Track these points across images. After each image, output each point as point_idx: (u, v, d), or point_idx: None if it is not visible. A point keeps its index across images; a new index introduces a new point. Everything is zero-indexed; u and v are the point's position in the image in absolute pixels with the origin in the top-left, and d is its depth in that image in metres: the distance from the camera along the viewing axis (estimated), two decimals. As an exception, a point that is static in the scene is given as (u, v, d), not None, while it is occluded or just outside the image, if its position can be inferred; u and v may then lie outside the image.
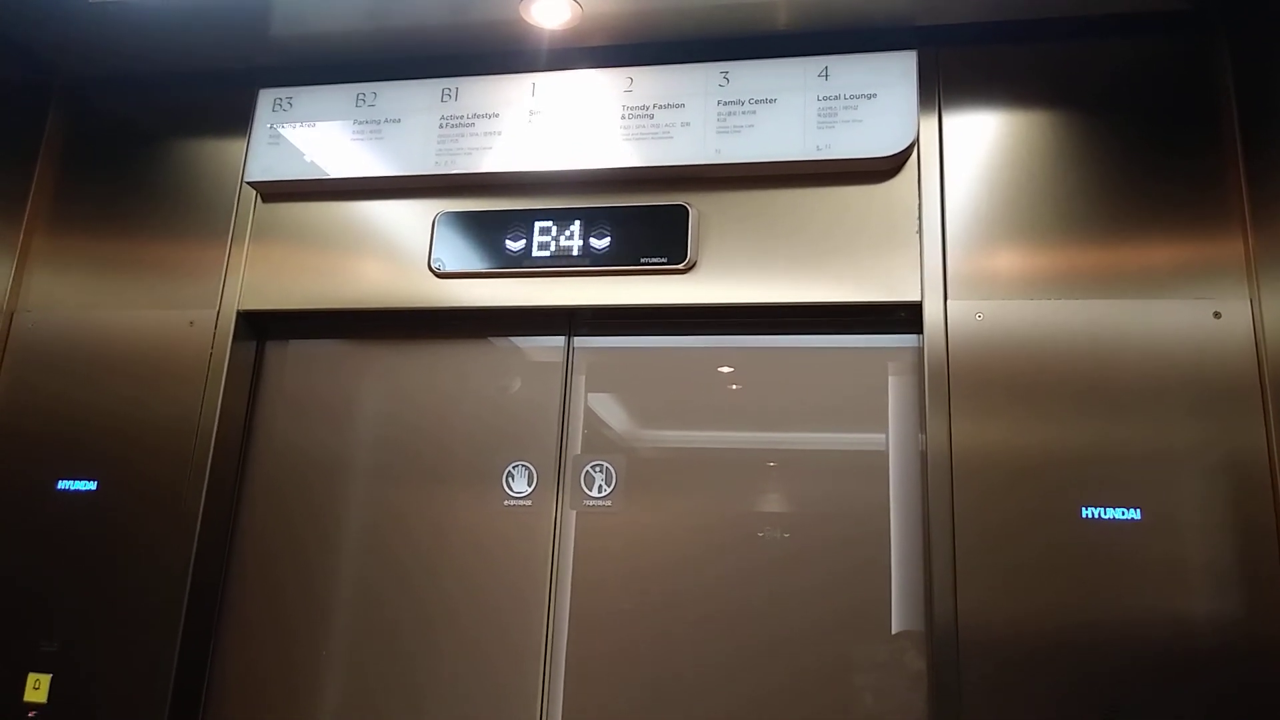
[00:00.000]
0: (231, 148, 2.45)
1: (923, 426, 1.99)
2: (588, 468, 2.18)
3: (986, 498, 1.88)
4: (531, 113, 2.26)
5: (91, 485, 2.27)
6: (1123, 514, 1.82)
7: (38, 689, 2.15)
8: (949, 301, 2.00)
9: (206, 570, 2.23)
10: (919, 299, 2.02)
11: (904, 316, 2.07)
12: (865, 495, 2.07)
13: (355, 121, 2.35)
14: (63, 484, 2.28)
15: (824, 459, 2.12)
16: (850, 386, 2.14)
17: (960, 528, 1.88)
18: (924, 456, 1.97)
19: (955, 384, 1.95)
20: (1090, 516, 1.83)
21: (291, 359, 2.41)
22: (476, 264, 2.23)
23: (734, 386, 2.19)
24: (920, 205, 2.07)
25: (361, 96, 2.36)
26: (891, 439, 2.09)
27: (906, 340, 2.12)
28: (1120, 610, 1.79)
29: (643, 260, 2.14)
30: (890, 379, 2.12)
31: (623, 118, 2.21)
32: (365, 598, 2.21)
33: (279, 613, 2.24)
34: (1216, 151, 1.98)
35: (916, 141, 2.08)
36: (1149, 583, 1.79)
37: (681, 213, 2.15)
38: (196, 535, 2.19)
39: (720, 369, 2.21)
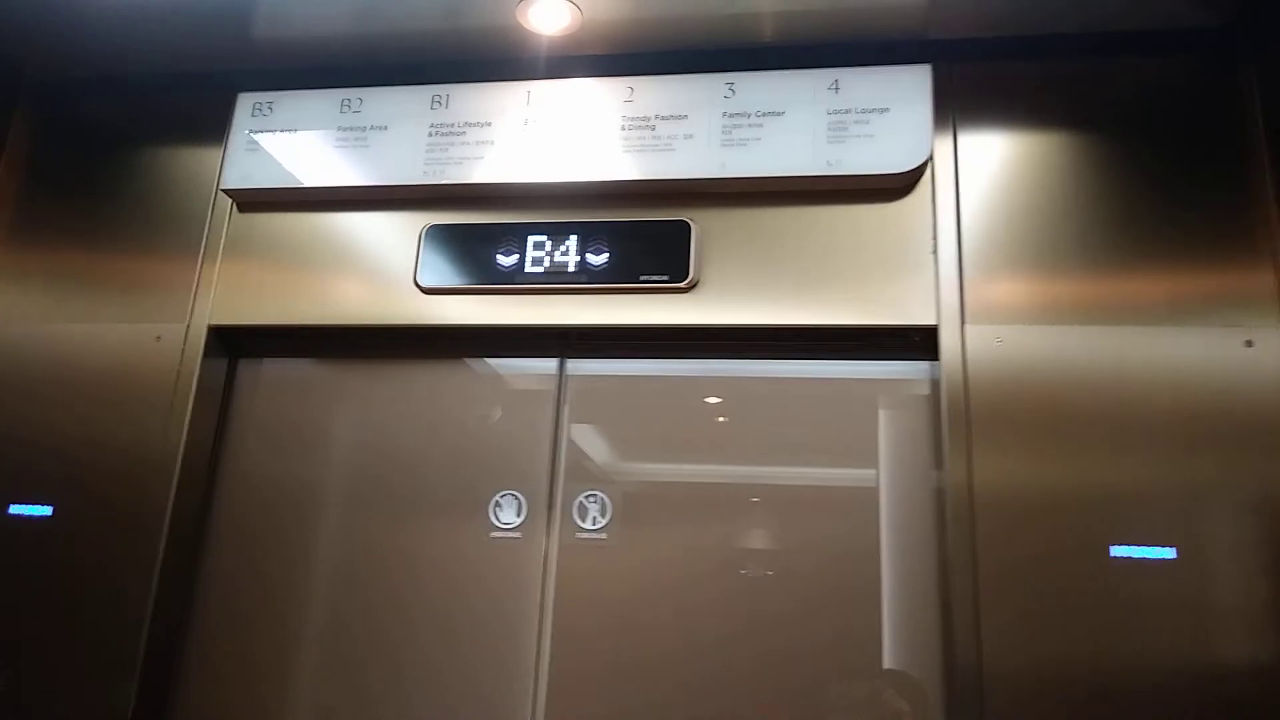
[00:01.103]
0: (207, 154, 2.32)
1: (938, 459, 1.88)
2: (581, 498, 2.05)
3: (1010, 536, 1.76)
4: (526, 122, 2.15)
5: (46, 510, 2.12)
6: (1155, 553, 1.71)
7: (-22, 733, 1.98)
8: (966, 326, 1.89)
9: (169, 605, 2.07)
10: (934, 323, 1.91)
11: (918, 342, 1.96)
12: (876, 533, 1.94)
13: (339, 128, 2.23)
14: (15, 509, 2.12)
15: (825, 495, 1.99)
16: (857, 418, 2.02)
17: (982, 568, 1.76)
18: (941, 491, 1.86)
19: (975, 413, 1.84)
20: (1121, 556, 1.72)
21: (265, 379, 2.27)
22: (465, 280, 2.10)
23: (736, 415, 2.07)
24: (935, 225, 1.97)
25: (347, 102, 2.24)
26: (907, 473, 1.96)
27: (918, 368, 2.01)
28: (1154, 654, 1.67)
29: (642, 278, 2.02)
30: (902, 410, 2.01)
31: (622, 129, 2.10)
32: (342, 637, 2.06)
33: (247, 652, 2.08)
34: (1245, 174, 1.90)
35: (931, 158, 1.99)
36: (1184, 625, 1.68)
37: (683, 229, 2.04)
38: (158, 566, 2.03)
39: (723, 396, 2.09)
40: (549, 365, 2.15)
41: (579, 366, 2.14)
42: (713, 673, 1.91)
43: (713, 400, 2.09)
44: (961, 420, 1.84)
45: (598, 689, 1.94)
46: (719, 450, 2.05)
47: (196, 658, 2.09)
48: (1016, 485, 1.78)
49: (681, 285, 2.01)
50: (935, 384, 1.95)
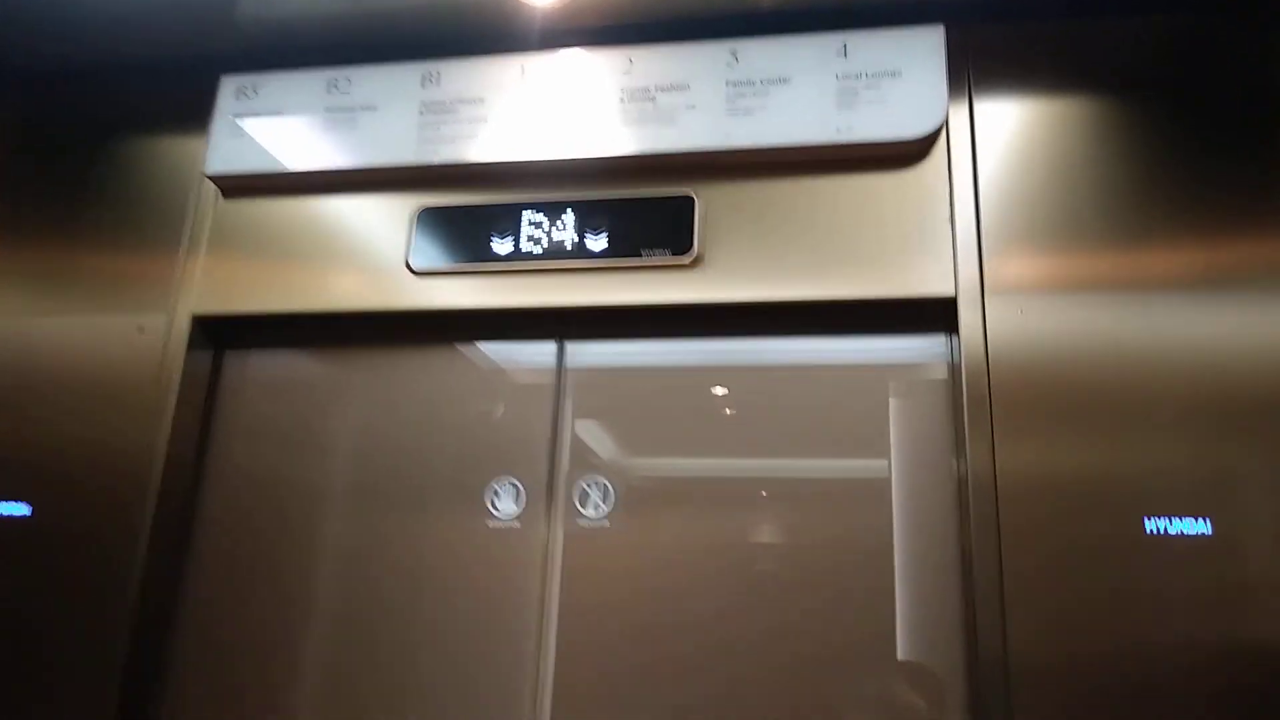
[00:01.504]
0: (189, 140, 2.23)
1: (959, 439, 1.78)
2: (582, 484, 1.94)
3: (1037, 514, 1.65)
4: (521, 97, 2.06)
5: (25, 510, 2.02)
6: (1192, 527, 1.60)
7: (-51, 745, 1.88)
8: (987, 297, 1.79)
9: (152, 608, 1.97)
10: (953, 294, 1.81)
11: (936, 315, 1.85)
12: (889, 522, 1.83)
13: (327, 109, 2.14)
14: (-9, 508, 2.03)
15: (836, 484, 1.88)
16: (870, 404, 1.91)
17: (1007, 553, 1.65)
18: (962, 474, 1.75)
19: (997, 390, 1.73)
20: (1155, 532, 1.61)
21: (253, 370, 2.17)
22: (460, 262, 2.01)
23: (742, 402, 1.97)
24: (952, 193, 1.87)
25: (334, 82, 2.16)
26: (923, 459, 1.86)
27: (935, 350, 1.90)
28: (1192, 639, 1.56)
29: (644, 254, 1.93)
30: (919, 393, 1.90)
31: (621, 101, 2.01)
32: (337, 640, 1.95)
33: (236, 655, 1.97)
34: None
35: (946, 123, 1.89)
36: (1224, 608, 1.57)
37: (687, 203, 1.95)
38: (142, 565, 1.94)
39: (727, 380, 1.98)
40: (548, 348, 2.05)
41: (579, 349, 2.05)
42: (723, 662, 1.80)
43: (718, 387, 1.98)
44: (983, 397, 1.73)
45: (603, 680, 1.83)
46: (723, 434, 1.95)
47: (183, 662, 1.99)
48: (1042, 464, 1.68)
49: (685, 261, 1.91)
50: (953, 366, 1.85)
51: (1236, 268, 1.74)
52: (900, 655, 1.76)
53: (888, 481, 1.86)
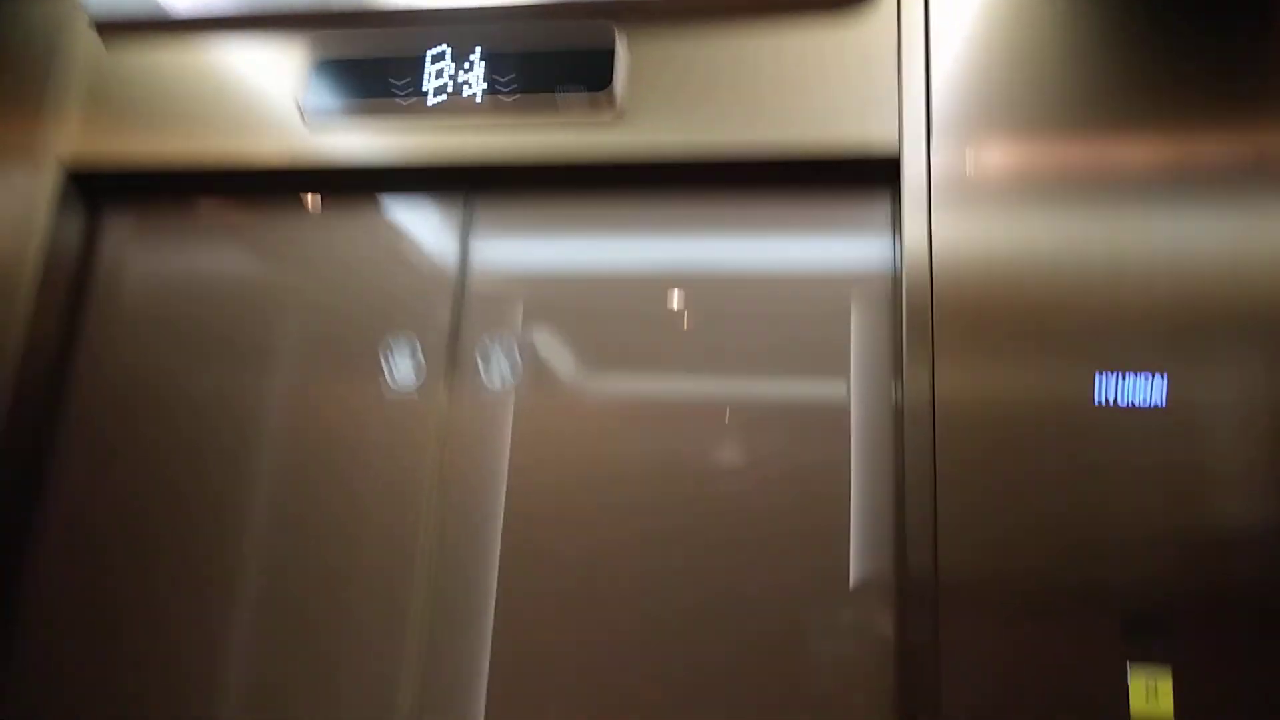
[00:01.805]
0: (66, -21, 2.01)
1: (896, 330, 1.63)
2: (487, 348, 1.77)
3: (975, 406, 1.52)
4: (429, -71, 1.86)
5: None
6: (1145, 394, 1.47)
7: None
8: (932, 155, 1.63)
9: (10, 486, 1.79)
10: (896, 154, 1.64)
11: (879, 172, 1.68)
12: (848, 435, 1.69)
13: (216, -58, 1.93)
14: None
15: (782, 406, 1.72)
16: (812, 312, 1.74)
17: (941, 427, 1.51)
18: (899, 384, 1.59)
19: (939, 277, 1.57)
20: (1104, 403, 1.47)
21: (131, 229, 1.97)
22: (358, 112, 1.82)
23: (666, 255, 1.80)
24: (900, 47, 1.69)
25: (224, -88, 1.94)
26: (872, 372, 1.70)
27: (884, 254, 1.73)
28: (1148, 529, 1.44)
29: (557, 92, 1.74)
30: (867, 302, 1.74)
31: (541, -65, 1.82)
32: (219, 526, 1.78)
33: (106, 555, 1.80)
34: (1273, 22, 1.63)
35: (894, -37, 1.72)
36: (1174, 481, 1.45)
37: (606, 40, 1.76)
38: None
39: (648, 230, 1.81)
40: (453, 203, 1.87)
41: (487, 203, 1.86)
42: (649, 539, 1.65)
43: (641, 237, 1.81)
44: (924, 283, 1.57)
45: (534, 560, 1.68)
46: (644, 291, 1.78)
47: (42, 567, 1.82)
48: (985, 351, 1.54)
49: (604, 113, 1.74)
50: (895, 278, 1.68)
51: (1213, 158, 1.57)
52: (848, 573, 1.61)
53: (843, 396, 1.69)
